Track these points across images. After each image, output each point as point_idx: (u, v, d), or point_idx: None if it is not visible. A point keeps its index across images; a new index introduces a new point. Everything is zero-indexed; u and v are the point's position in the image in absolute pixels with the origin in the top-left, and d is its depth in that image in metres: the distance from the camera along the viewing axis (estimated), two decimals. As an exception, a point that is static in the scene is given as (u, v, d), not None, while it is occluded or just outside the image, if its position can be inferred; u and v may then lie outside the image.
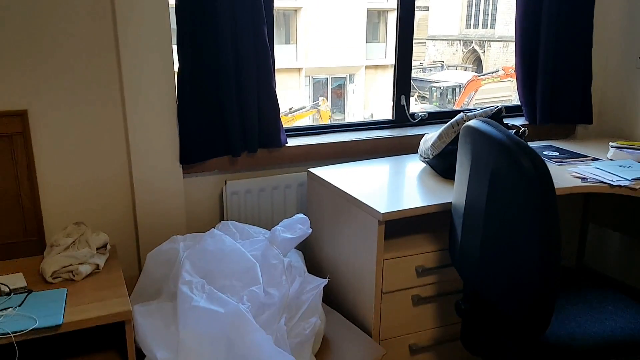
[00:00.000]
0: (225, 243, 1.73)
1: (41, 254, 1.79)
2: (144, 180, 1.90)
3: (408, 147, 2.29)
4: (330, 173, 1.97)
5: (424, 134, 2.11)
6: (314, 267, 2.03)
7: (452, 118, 1.91)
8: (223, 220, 2.08)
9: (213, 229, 1.81)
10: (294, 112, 10.57)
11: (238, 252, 1.70)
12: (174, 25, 1.82)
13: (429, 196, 1.76)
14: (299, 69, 12.44)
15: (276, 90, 2.02)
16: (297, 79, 12.52)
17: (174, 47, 1.84)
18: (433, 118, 2.50)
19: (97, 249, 1.70)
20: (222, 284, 1.64)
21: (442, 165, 1.92)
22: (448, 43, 16.70)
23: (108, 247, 1.75)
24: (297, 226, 1.81)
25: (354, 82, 13.55)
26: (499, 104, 2.04)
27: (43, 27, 1.69)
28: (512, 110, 2.69)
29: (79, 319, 1.43)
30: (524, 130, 1.90)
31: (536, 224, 1.23)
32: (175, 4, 1.80)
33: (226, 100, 1.91)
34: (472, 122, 1.44)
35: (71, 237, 1.68)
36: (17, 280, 1.59)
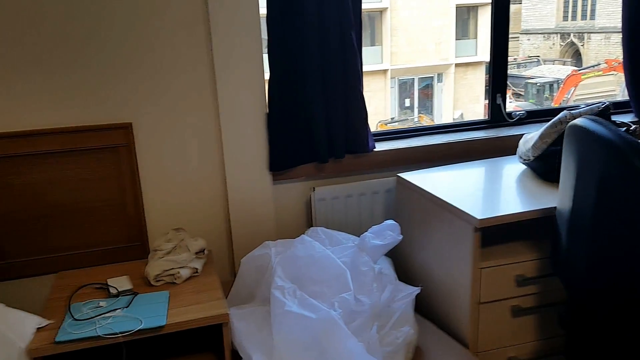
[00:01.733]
0: (316, 249, 1.73)
1: (144, 258, 1.90)
2: (236, 187, 1.95)
3: (505, 148, 2.18)
4: (421, 178, 1.92)
5: (523, 134, 1.99)
6: (404, 274, 1.98)
7: (553, 116, 1.79)
8: (311, 226, 2.09)
9: (303, 235, 1.83)
10: (394, 122, 10.42)
11: (328, 259, 1.70)
12: (264, 34, 1.86)
13: (529, 201, 1.66)
14: (384, 71, 12.33)
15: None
16: (382, 81, 12.41)
17: (265, 56, 1.88)
18: (532, 117, 2.36)
19: (196, 253, 1.77)
20: (312, 289, 1.64)
21: (543, 167, 1.80)
22: (544, 37, 15.80)
23: (205, 252, 1.82)
24: (387, 233, 1.78)
25: (442, 81, 13.21)
26: (605, 100, 1.89)
27: (144, 45, 1.80)
28: (619, 107, 2.48)
29: (181, 321, 1.50)
30: (635, 128, 1.74)
31: (655, 232, 1.11)
32: (267, 13, 1.84)
33: (313, 107, 1.92)
34: (578, 121, 1.34)
35: (172, 242, 1.77)
36: (124, 282, 1.70)
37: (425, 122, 10.74)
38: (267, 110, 1.92)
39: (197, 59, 1.85)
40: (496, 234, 1.77)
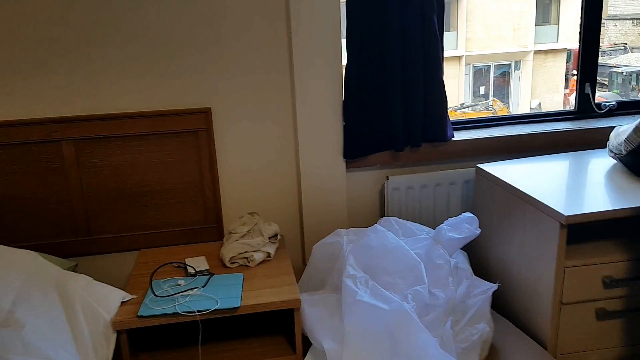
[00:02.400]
0: (389, 239, 1.71)
1: (219, 240, 1.95)
2: (309, 173, 1.96)
3: (593, 141, 2.04)
4: (502, 169, 1.84)
5: (614, 127, 1.86)
6: (480, 270, 1.91)
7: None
8: (383, 216, 2.07)
9: (376, 224, 1.81)
10: (465, 108, 10.10)
11: (402, 250, 1.67)
12: (343, 20, 1.84)
13: (620, 198, 1.55)
14: (459, 57, 11.94)
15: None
16: (456, 68, 12.04)
17: (343, 42, 1.86)
18: (623, 108, 2.20)
19: (269, 238, 1.79)
20: (384, 280, 1.62)
21: (637, 162, 1.68)
22: (633, 22, 14.71)
23: (278, 237, 1.84)
24: (464, 226, 1.72)
25: (520, 69, 12.64)
26: None
27: (224, 33, 1.82)
28: None
29: (255, 303, 1.53)
30: None
31: None
32: (346, -1, 1.81)
33: (391, 94, 1.88)
34: (685, 114, 1.22)
35: (246, 226, 1.80)
36: (201, 263, 1.75)
37: (498, 106, 10.28)
38: (344, 97, 1.90)
39: (276, 45, 1.86)
40: (582, 231, 1.67)
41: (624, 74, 11.72)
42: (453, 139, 2.02)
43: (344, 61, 1.89)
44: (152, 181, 1.89)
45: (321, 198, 1.98)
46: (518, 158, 1.98)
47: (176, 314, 1.49)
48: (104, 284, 1.58)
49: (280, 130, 1.94)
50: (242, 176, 1.97)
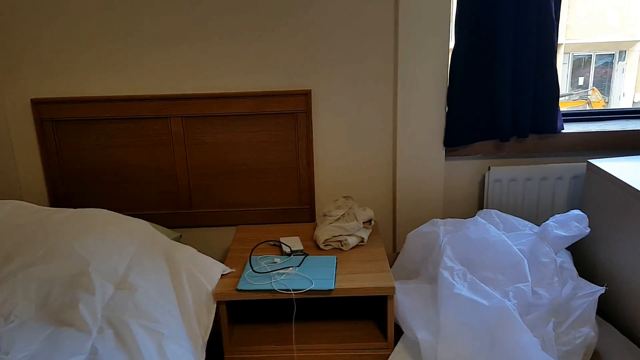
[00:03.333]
0: (490, 233, 1.64)
1: (311, 221, 1.97)
2: (406, 160, 1.92)
3: None
4: (617, 166, 1.71)
5: None
6: (584, 271, 1.80)
7: None
8: (481, 208, 1.99)
9: (477, 216, 1.75)
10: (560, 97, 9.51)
11: (504, 245, 1.60)
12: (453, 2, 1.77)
13: None
14: (558, 45, 11.26)
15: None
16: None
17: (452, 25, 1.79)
18: None
19: (363, 223, 1.78)
20: (484, 275, 1.56)
21: None
22: None
23: (372, 222, 1.83)
24: (572, 224, 1.63)
25: (624, 60, 11.70)
26: None
27: (330, 15, 1.81)
28: None
29: (348, 287, 1.53)
30: None
31: None
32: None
33: (500, 81, 1.80)
34: None
35: (341, 209, 1.80)
36: (296, 243, 1.78)
37: (596, 97, 9.58)
38: (448, 82, 1.84)
39: (382, 30, 1.83)
40: None
41: None
42: (562, 131, 1.90)
43: (451, 45, 1.82)
44: (251, 160, 1.94)
45: (417, 186, 1.94)
46: (632, 155, 1.83)
47: (272, 291, 1.52)
48: (206, 256, 1.64)
49: (379, 116, 1.92)
50: (338, 160, 1.97)
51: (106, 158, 1.93)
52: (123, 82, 1.87)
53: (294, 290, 1.51)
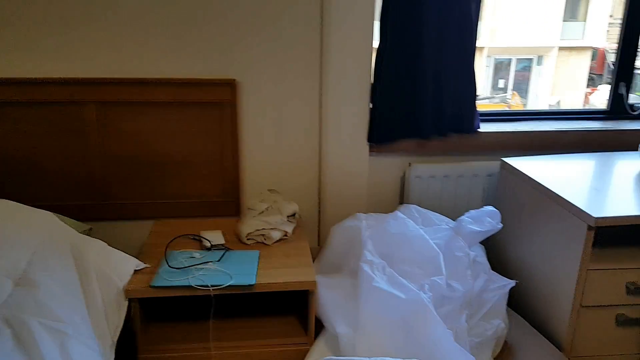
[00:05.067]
0: (409, 227, 1.68)
1: (236, 215, 1.93)
2: (332, 155, 1.92)
3: (625, 143, 1.99)
4: (528, 165, 1.80)
5: (649, 130, 1.81)
6: (497, 265, 1.88)
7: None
8: (402, 203, 2.03)
9: (397, 211, 1.78)
10: (482, 99, 9.94)
11: (421, 239, 1.64)
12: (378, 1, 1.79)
13: (653, 204, 1.50)
14: (481, 48, 11.75)
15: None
16: (477, 59, 11.85)
17: (376, 24, 1.81)
18: (658, 111, 2.14)
19: (287, 216, 1.77)
20: (402, 268, 1.59)
21: (673, 168, 1.63)
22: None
23: (297, 216, 1.81)
24: (485, 219, 1.69)
25: (542, 64, 12.43)
26: None
27: (256, 5, 1.77)
28: None
29: (270, 282, 1.51)
30: None
31: None
32: (382, -21, 1.76)
33: (422, 80, 1.83)
34: None
35: (265, 203, 1.78)
36: (217, 237, 1.73)
37: (516, 101, 10.13)
38: (373, 80, 1.86)
39: (308, 23, 1.81)
40: (606, 235, 1.63)
41: (649, 76, 11.49)
42: (479, 130, 1.97)
43: (376, 43, 1.83)
44: (173, 150, 1.87)
45: (342, 180, 1.95)
46: (544, 155, 1.93)
47: (189, 287, 1.47)
48: (118, 250, 1.56)
49: (305, 109, 1.90)
50: (264, 152, 1.94)
51: (12, 145, 1.79)
52: (30, 63, 1.73)
53: (212, 286, 1.47)
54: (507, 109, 9.34)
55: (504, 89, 12.23)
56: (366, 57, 1.82)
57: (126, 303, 1.46)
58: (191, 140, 1.86)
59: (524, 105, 11.54)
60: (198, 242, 1.72)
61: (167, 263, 1.56)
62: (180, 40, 1.78)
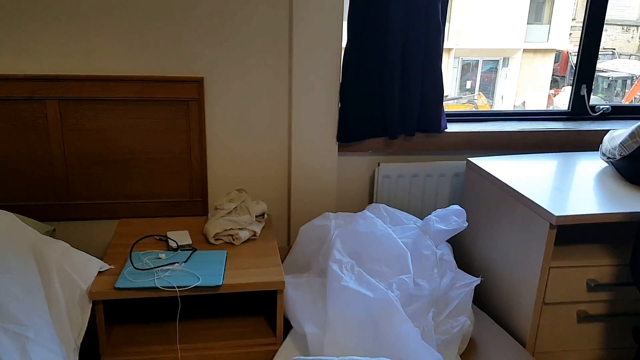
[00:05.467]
0: (377, 226, 1.69)
1: (203, 215, 1.91)
2: (300, 154, 1.92)
3: (585, 143, 2.05)
4: (493, 165, 1.83)
5: (608, 130, 1.86)
6: (463, 263, 1.91)
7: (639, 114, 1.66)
8: (371, 202, 2.05)
9: (365, 210, 1.79)
10: (449, 100, 10.10)
11: (389, 238, 1.65)
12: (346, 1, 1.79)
13: (611, 202, 1.55)
14: (449, 50, 11.93)
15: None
16: (445, 60, 12.02)
17: (344, 24, 1.81)
18: (617, 112, 2.21)
19: (256, 216, 1.76)
20: (370, 267, 1.60)
21: (631, 168, 1.68)
22: (623, 29, 14.87)
23: (265, 216, 1.80)
24: (452, 218, 1.71)
25: (507, 66, 12.69)
26: None
27: (224, 3, 1.76)
28: None
29: (237, 283, 1.50)
30: None
31: None
32: (350, -21, 1.76)
33: (389, 80, 1.85)
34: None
35: (233, 202, 1.76)
36: (184, 237, 1.70)
37: (482, 102, 10.34)
38: (341, 80, 1.86)
39: (275, 20, 1.80)
40: (568, 233, 1.68)
41: (610, 79, 11.87)
42: (446, 130, 2.00)
43: (344, 43, 1.84)
44: (138, 149, 1.83)
45: (311, 180, 1.94)
46: (509, 154, 1.98)
47: (155, 289, 1.45)
48: (81, 251, 1.52)
49: (274, 108, 1.90)
50: (232, 151, 1.92)
51: (-32, 143, 1.73)
52: (-11, 58, 1.68)
53: (178, 287, 1.45)
54: (474, 109, 9.52)
55: (471, 90, 12.45)
56: (335, 57, 1.82)
57: (90, 305, 1.43)
58: (157, 138, 1.83)
59: (490, 105, 11.78)
60: (164, 242, 1.70)
61: (132, 264, 1.53)
62: (146, 36, 1.75)
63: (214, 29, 1.78)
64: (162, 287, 1.45)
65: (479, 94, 10.76)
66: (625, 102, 10.41)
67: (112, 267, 1.54)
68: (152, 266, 1.53)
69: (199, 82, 1.80)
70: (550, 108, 8.04)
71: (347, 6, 1.80)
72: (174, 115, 1.82)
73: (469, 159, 1.90)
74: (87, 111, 1.76)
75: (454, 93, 12.15)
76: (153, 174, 1.87)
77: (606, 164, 1.84)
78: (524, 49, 12.32)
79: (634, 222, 1.47)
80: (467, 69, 12.71)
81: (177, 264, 1.56)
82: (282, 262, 1.76)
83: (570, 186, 1.68)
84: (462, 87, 12.56)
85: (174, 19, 1.75)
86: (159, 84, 1.78)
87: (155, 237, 1.72)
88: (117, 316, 1.61)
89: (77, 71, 1.73)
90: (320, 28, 1.78)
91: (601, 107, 2.21)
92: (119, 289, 1.44)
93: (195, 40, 1.78)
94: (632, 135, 1.66)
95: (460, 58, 12.36)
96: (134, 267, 1.52)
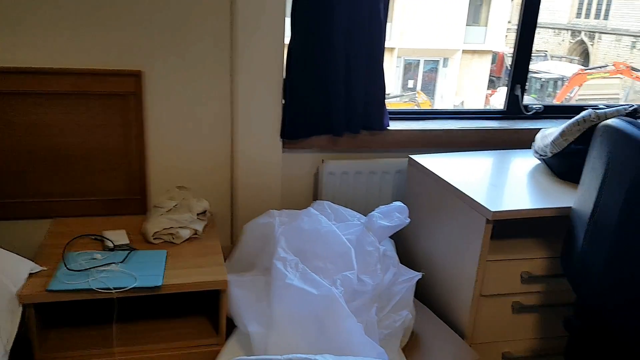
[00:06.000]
0: (321, 223, 1.69)
1: (143, 213, 1.85)
2: (244, 151, 1.89)
3: (519, 141, 2.13)
4: (433, 162, 1.87)
5: (540, 129, 1.95)
6: (406, 258, 1.95)
7: (570, 113, 1.75)
8: (316, 199, 2.05)
9: (310, 207, 1.78)
10: (391, 98, 10.28)
11: (334, 235, 1.65)
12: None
13: (543, 198, 1.62)
14: (392, 49, 12.15)
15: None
16: (388, 59, 12.25)
17: (287, 20, 1.80)
18: (549, 112, 2.31)
19: (198, 214, 1.72)
20: (315, 264, 1.60)
21: (561, 165, 1.76)
22: (554, 32, 15.64)
23: (208, 213, 1.77)
24: (394, 214, 1.74)
25: (447, 66, 13.07)
26: (633, 104, 1.84)
27: (164, -10, 1.71)
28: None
29: (178, 283, 1.46)
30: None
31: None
32: (294, -26, 1.75)
33: (334, 78, 1.85)
34: (612, 122, 1.29)
35: (174, 200, 1.71)
36: (121, 237, 1.64)
37: (422, 99, 10.63)
38: (285, 76, 1.85)
39: (217, 12, 1.76)
40: (504, 228, 1.74)
41: (542, 79, 12.47)
42: (389, 128, 2.03)
43: (287, 40, 1.83)
44: (73, 145, 1.75)
45: (255, 177, 1.92)
46: (449, 152, 2.03)
47: (90, 290, 1.39)
48: (10, 252, 1.44)
49: (216, 103, 1.86)
50: (173, 147, 1.87)
51: None
52: None
53: (115, 288, 1.40)
54: (415, 107, 9.75)
55: (414, 89, 12.74)
56: (277, 53, 1.81)
57: (20, 309, 1.35)
58: (93, 134, 1.76)
59: (431, 103, 12.09)
60: (100, 242, 1.63)
61: (66, 265, 1.46)
62: (82, 28, 1.67)
63: (153, 21, 1.72)
64: (98, 288, 1.39)
65: (418, 92, 11.03)
66: (556, 102, 10.98)
67: (45, 268, 1.46)
68: (87, 267, 1.47)
69: (137, 76, 1.74)
70: (488, 107, 8.34)
71: (290, 2, 1.79)
72: (111, 110, 1.75)
73: (411, 156, 1.94)
74: (17, 105, 1.67)
75: (398, 91, 12.40)
76: (89, 171, 1.79)
77: (539, 161, 1.92)
78: (462, 50, 12.73)
79: (565, 216, 1.54)
80: (410, 68, 13.00)
81: (113, 264, 1.50)
82: (226, 261, 1.73)
83: (506, 183, 1.75)
84: (404, 86, 12.84)
85: (111, 10, 1.68)
86: (95, 77, 1.70)
87: (91, 236, 1.65)
88: (52, 320, 1.54)
89: (5, 63, 1.63)
90: (262, 24, 1.76)
91: (534, 106, 2.31)
92: (51, 291, 1.37)
93: (133, 32, 1.72)
94: (562, 133, 1.74)
95: (402, 58, 12.63)
96: (68, 269, 1.46)
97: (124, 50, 1.73)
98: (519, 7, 2.18)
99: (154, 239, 1.65)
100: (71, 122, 1.73)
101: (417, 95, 10.62)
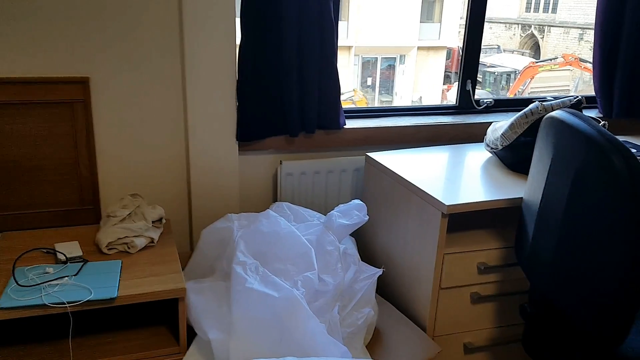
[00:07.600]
0: (281, 225, 1.68)
1: (96, 223, 1.80)
2: (200, 155, 1.86)
3: (472, 135, 2.18)
4: (390, 159, 1.89)
5: (491, 122, 2.00)
6: (367, 255, 1.97)
7: (519, 106, 1.80)
8: (275, 200, 2.04)
9: (269, 209, 1.77)
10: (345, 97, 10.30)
11: (293, 236, 1.65)
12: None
13: (496, 190, 1.66)
14: (349, 47, 12.22)
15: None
16: (346, 57, 12.32)
17: (237, 20, 1.78)
18: (499, 105, 2.37)
19: (153, 222, 1.68)
20: (275, 267, 1.59)
21: (512, 157, 1.81)
22: (506, 26, 16.06)
23: (163, 221, 1.73)
24: (353, 212, 1.75)
25: (404, 63, 13.24)
26: (577, 95, 1.90)
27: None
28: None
29: (134, 293, 1.42)
30: (604, 124, 1.76)
31: (624, 229, 1.12)
32: (242, -25, 1.74)
33: (287, 77, 1.85)
34: (557, 113, 1.33)
35: (127, 208, 1.67)
36: (73, 248, 1.59)
37: (358, 97, 10.69)
38: (237, 77, 1.83)
39: (165, 16, 1.73)
40: (459, 220, 1.78)
41: (496, 73, 12.79)
42: (345, 127, 2.03)
43: (239, 41, 1.81)
44: (19, 155, 1.69)
45: (212, 181, 1.90)
46: (405, 148, 2.05)
47: (43, 306, 1.34)
48: (-46, 272, 1.38)
49: (168, 107, 1.82)
50: (125, 155, 1.82)
51: None
52: None
53: (68, 302, 1.35)
54: (352, 105, 9.81)
55: (372, 87, 12.85)
56: (229, 54, 1.79)
57: (-34, 331, 1.29)
58: (40, 144, 1.70)
59: (366, 100, 12.13)
60: (52, 255, 1.58)
61: (16, 281, 1.41)
62: (25, 35, 1.61)
63: (100, 26, 1.68)
64: (51, 303, 1.34)
65: (354, 90, 11.06)
66: (510, 95, 11.27)
67: (-8, 286, 1.40)
68: (39, 282, 1.42)
69: (84, 83, 1.69)
70: (442, 103, 8.50)
71: (239, 2, 1.77)
72: (57, 118, 1.69)
73: (368, 154, 1.95)
74: (-45, 116, 1.59)
75: (358, 88, 12.46)
76: (37, 183, 1.73)
77: (490, 154, 1.97)
78: (418, 47, 12.91)
79: (517, 207, 1.58)
80: (367, 66, 13.10)
81: (66, 277, 1.45)
82: (184, 268, 1.71)
83: (460, 176, 1.78)
84: (363, 84, 12.93)
85: (55, 14, 1.62)
86: (39, 86, 1.64)
87: (42, 250, 1.59)
88: (4, 338, 1.48)
89: (-61, 72, 1.56)
90: (212, 24, 1.74)
91: (485, 100, 2.36)
92: (1, 308, 1.32)
93: (79, 38, 1.67)
94: (511, 126, 1.78)
95: (360, 56, 12.71)
96: (18, 284, 1.40)
97: (70, 56, 1.67)
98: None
99: (107, 249, 1.60)
100: (16, 132, 1.66)
101: (353, 94, 10.63)
